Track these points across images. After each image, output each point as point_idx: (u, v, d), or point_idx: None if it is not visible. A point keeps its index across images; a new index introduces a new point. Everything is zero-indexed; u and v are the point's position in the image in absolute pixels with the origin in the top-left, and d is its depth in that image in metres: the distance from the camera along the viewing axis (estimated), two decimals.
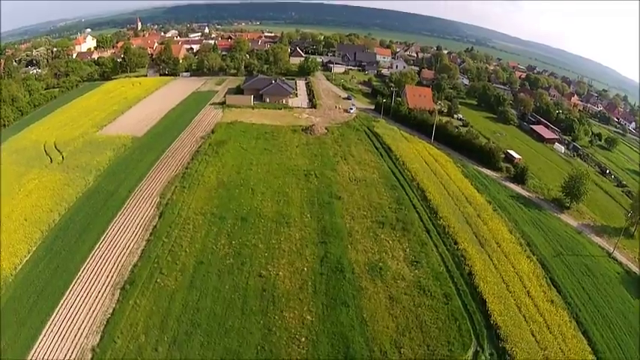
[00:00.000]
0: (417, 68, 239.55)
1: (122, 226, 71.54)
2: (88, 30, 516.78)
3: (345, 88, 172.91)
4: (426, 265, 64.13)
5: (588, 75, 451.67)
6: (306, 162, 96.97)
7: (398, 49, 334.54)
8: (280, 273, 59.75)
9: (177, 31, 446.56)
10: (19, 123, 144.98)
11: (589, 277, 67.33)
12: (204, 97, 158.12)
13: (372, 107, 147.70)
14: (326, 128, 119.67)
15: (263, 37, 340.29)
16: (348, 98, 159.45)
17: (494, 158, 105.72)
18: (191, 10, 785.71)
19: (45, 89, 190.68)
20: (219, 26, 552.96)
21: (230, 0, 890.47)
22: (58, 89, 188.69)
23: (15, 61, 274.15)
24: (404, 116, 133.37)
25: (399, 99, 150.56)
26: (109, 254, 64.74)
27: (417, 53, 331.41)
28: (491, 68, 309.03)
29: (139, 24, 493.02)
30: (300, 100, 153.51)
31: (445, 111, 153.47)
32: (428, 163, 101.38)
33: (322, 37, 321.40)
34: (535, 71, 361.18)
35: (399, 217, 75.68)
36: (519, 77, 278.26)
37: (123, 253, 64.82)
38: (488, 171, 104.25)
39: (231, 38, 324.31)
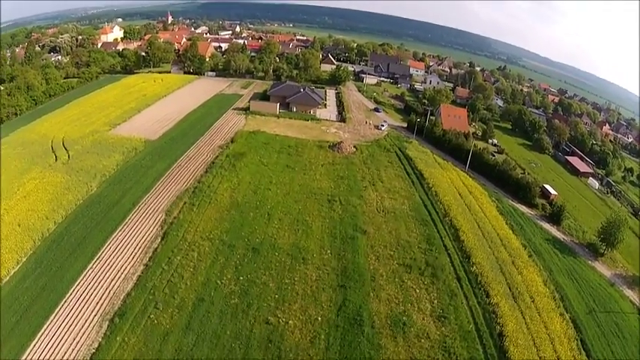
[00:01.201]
0: (451, 85, 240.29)
1: (120, 245, 68.82)
2: (119, 19, 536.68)
3: (376, 102, 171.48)
4: (454, 321, 58.97)
5: (615, 101, 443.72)
6: (330, 185, 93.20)
7: (431, 63, 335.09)
8: (290, 322, 55.36)
9: (207, 28, 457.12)
10: (32, 113, 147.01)
11: (619, 339, 62.54)
12: (228, 101, 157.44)
13: (405, 125, 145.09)
14: (355, 146, 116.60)
15: (295, 41, 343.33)
16: (377, 110, 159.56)
17: (531, 193, 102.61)
18: (224, 8, 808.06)
19: (64, 78, 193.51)
20: (252, 26, 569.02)
21: (265, 0, 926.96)
22: (76, 79, 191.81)
23: (39, 46, 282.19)
24: (438, 138, 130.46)
25: (433, 117, 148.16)
26: (101, 277, 61.79)
27: (450, 68, 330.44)
28: (525, 90, 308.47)
29: (170, 17, 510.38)
30: (329, 111, 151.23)
31: (479, 134, 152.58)
32: (462, 196, 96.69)
33: (355, 45, 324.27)
34: (566, 95, 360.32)
35: (428, 260, 70.77)
36: (552, 101, 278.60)
37: (117, 277, 61.79)
38: (524, 207, 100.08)
39: (261, 39, 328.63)
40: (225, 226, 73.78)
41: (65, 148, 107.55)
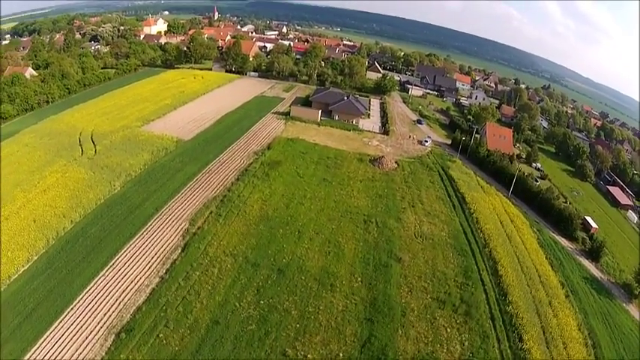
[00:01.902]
0: (497, 102, 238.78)
1: (137, 253, 67.42)
2: (165, 12, 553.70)
3: (421, 115, 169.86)
4: None
5: None
6: (368, 204, 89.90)
7: (477, 77, 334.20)
8: (310, 355, 51.90)
9: (253, 27, 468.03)
10: (64, 102, 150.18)
11: None
12: (268, 104, 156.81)
13: (449, 142, 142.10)
14: (396, 162, 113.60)
15: (341, 46, 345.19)
16: (420, 122, 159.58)
17: (572, 226, 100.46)
18: (273, 7, 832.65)
19: (102, 68, 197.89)
20: (299, 27, 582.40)
21: (313, 2, 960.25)
22: (114, 70, 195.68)
23: (80, 33, 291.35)
24: (482, 159, 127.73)
25: (478, 135, 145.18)
26: (113, 286, 60.40)
27: (495, 84, 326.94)
28: (569, 112, 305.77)
29: (216, 13, 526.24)
30: (372, 122, 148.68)
31: (523, 157, 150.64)
32: (503, 224, 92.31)
33: (402, 54, 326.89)
34: (608, 119, 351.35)
35: (463, 295, 66.37)
36: (594, 125, 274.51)
37: (129, 288, 60.17)
38: (564, 241, 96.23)
39: (308, 42, 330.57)
40: (252, 242, 71.23)
41: (93, 142, 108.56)
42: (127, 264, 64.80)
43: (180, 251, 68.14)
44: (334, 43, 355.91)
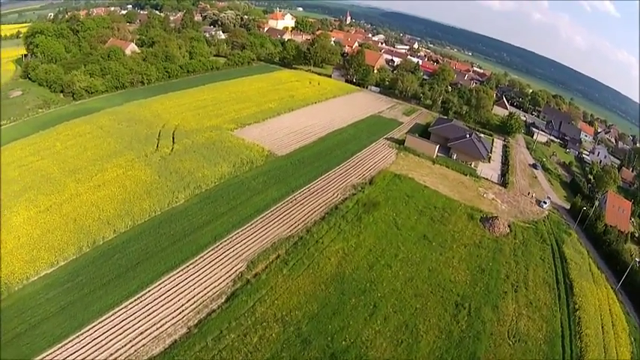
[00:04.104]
0: (617, 161, 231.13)
1: (172, 290, 63.07)
2: (299, 9, 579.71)
3: (544, 169, 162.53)
4: None
5: None
6: (467, 279, 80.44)
7: (599, 129, 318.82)
8: None
9: (384, 37, 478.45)
10: (159, 86, 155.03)
11: None
12: (384, 126, 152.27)
13: (568, 207, 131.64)
14: (509, 226, 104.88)
15: (471, 72, 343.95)
16: (535, 166, 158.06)
17: None
18: (407, 20, 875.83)
19: (214, 56, 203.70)
20: (431, 45, 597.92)
21: (449, 22, 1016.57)
22: (225, 60, 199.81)
23: (202, 16, 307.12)
24: (598, 235, 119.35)
25: (597, 201, 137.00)
26: (131, 324, 56.75)
27: (615, 139, 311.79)
28: None
29: (349, 17, 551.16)
30: (492, 168, 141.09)
31: (637, 235, 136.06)
32: (604, 329, 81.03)
33: (530, 91, 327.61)
34: None
35: None
36: None
37: (148, 332, 55.89)
38: None
39: (437, 62, 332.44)
40: (312, 309, 63.56)
41: (173, 139, 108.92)
42: (156, 300, 60.82)
43: (223, 301, 62.55)
44: (464, 68, 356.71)
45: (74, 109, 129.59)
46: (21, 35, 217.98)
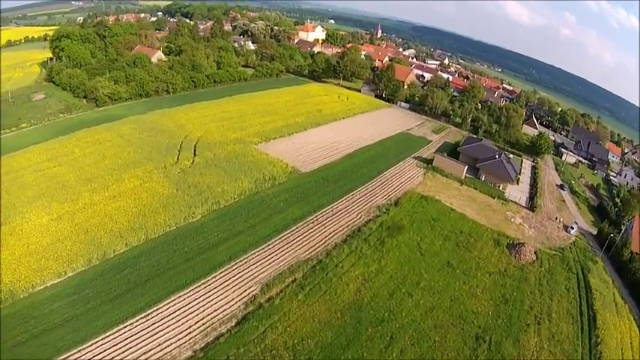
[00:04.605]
0: None
1: (181, 310, 62.16)
2: (331, 21, 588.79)
3: (572, 191, 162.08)
4: None
5: None
6: (489, 310, 78.18)
7: (627, 150, 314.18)
8: None
9: (415, 52, 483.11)
10: (184, 95, 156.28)
11: None
12: (412, 144, 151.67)
13: (594, 232, 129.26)
14: (535, 253, 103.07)
15: (501, 89, 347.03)
16: (562, 187, 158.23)
17: None
18: (438, 35, 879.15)
19: (242, 66, 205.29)
20: (461, 61, 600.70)
21: (479, 37, 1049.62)
22: (253, 71, 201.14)
23: (232, 25, 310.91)
24: (624, 263, 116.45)
25: (624, 227, 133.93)
26: (134, 344, 55.87)
27: None
28: None
29: (379, 31, 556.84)
30: (520, 191, 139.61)
31: None
32: None
33: (559, 109, 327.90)
34: None
35: None
36: None
37: (151, 352, 54.99)
38: None
39: (468, 78, 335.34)
40: (326, 338, 61.96)
41: (194, 151, 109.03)
42: (163, 320, 60.09)
43: (233, 324, 61.27)
44: (494, 85, 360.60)
45: (96, 115, 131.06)
46: (48, 38, 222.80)
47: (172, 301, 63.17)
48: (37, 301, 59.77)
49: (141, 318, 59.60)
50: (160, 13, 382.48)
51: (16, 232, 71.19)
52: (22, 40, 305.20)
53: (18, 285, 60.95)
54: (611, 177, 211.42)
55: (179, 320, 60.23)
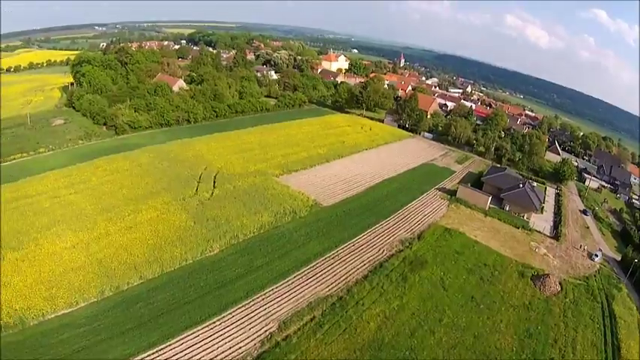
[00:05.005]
0: None
1: (193, 348, 61.07)
2: (354, 50, 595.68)
3: (596, 217, 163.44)
4: None
5: None
6: (513, 346, 76.59)
7: None
8: None
9: (437, 81, 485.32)
10: (205, 126, 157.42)
11: None
12: (436, 175, 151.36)
13: (618, 259, 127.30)
14: (560, 283, 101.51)
15: (523, 116, 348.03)
16: (585, 213, 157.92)
17: None
18: (461, 63, 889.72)
19: (265, 96, 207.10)
20: (484, 89, 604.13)
21: (501, 64, 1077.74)
22: (275, 101, 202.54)
23: (254, 55, 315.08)
24: None
25: None
26: None
27: None
28: None
29: (402, 60, 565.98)
30: (545, 220, 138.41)
31: None
32: None
33: (581, 134, 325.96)
34: None
35: None
36: None
37: None
38: None
39: (490, 106, 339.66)
40: None
41: (214, 183, 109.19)
42: (175, 356, 59.39)
43: None
44: (516, 111, 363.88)
45: (115, 143, 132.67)
46: (70, 62, 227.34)
47: (185, 337, 62.33)
48: (47, 330, 59.75)
49: (152, 353, 58.89)
50: (183, 41, 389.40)
51: (29, 258, 71.66)
52: (44, 64, 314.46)
53: (29, 312, 61.13)
54: (634, 200, 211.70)
55: (192, 357, 59.23)
